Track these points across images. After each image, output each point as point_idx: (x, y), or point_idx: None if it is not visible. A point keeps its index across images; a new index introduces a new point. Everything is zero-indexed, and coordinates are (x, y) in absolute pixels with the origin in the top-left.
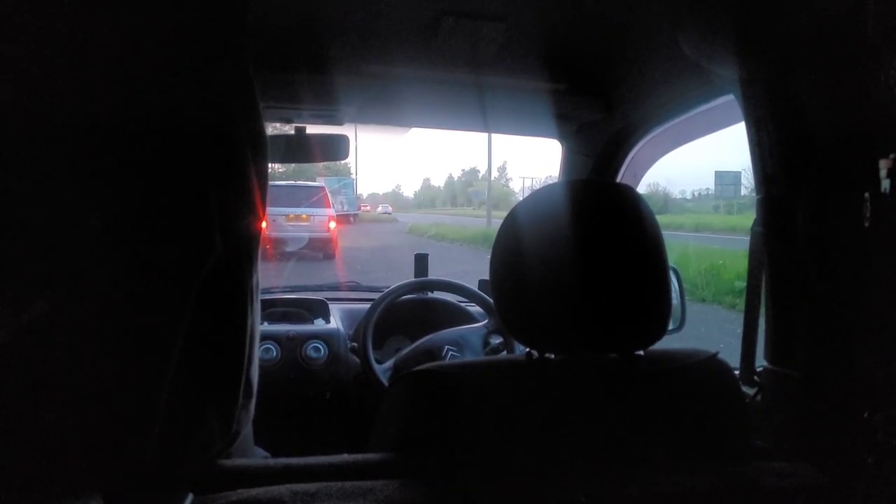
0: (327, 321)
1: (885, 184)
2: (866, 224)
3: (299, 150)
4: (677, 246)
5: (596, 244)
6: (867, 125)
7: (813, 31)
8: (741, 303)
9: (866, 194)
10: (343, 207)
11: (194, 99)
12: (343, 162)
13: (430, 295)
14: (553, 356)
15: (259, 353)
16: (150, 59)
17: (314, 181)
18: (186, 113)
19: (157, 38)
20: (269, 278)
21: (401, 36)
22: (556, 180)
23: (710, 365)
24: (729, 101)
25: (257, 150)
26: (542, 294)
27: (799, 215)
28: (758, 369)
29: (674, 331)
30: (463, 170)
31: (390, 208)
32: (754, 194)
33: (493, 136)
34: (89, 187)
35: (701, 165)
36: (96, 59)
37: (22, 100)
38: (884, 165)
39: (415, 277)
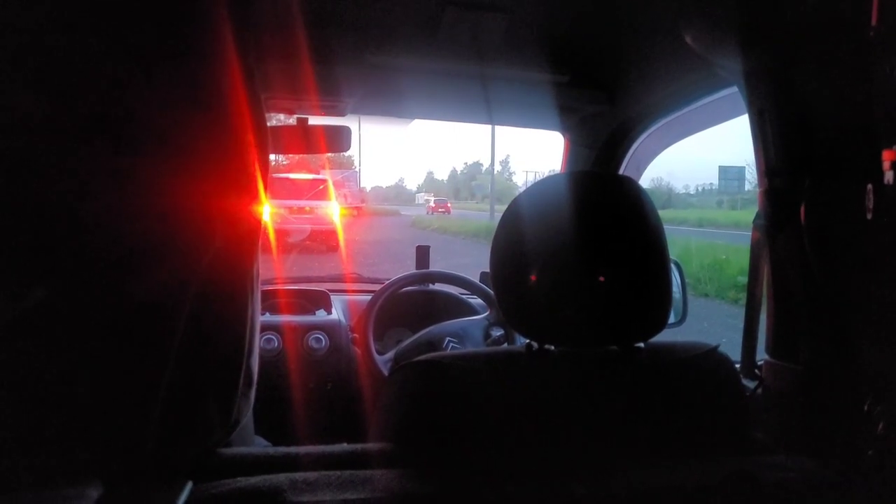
0: (329, 312)
1: (889, 175)
2: (869, 216)
3: (301, 141)
4: (680, 241)
5: (597, 236)
6: (871, 117)
7: (817, 22)
8: (744, 298)
9: (869, 186)
10: (346, 200)
11: (195, 90)
12: (347, 154)
13: (431, 287)
14: (553, 348)
15: (260, 343)
16: (142, 53)
17: (318, 173)
18: (186, 103)
19: (151, 34)
20: (272, 270)
21: (404, 26)
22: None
23: (710, 358)
24: (732, 93)
25: (258, 139)
26: (543, 285)
27: (802, 207)
28: (759, 363)
29: (675, 324)
30: (466, 163)
31: (448, 204)
32: (758, 188)
33: (497, 129)
34: (88, 177)
35: (705, 160)
36: (87, 57)
37: (28, 97)
38: (887, 157)
39: (416, 269)
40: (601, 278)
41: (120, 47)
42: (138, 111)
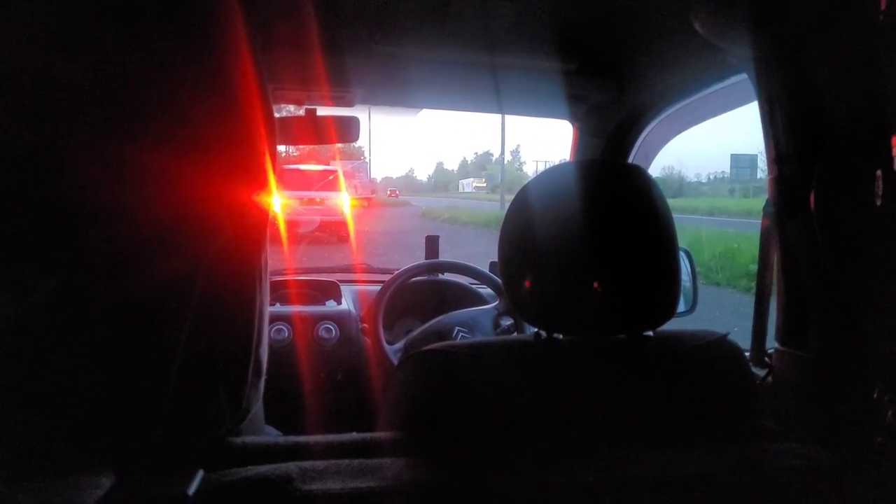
0: (339, 303)
1: None
2: (878, 202)
3: (311, 131)
4: (692, 229)
5: (604, 224)
6: (880, 103)
7: (826, 7)
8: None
9: (878, 172)
10: (357, 191)
11: (203, 75)
12: (356, 145)
13: (440, 277)
14: (561, 337)
15: (271, 333)
16: (149, 38)
17: (328, 164)
18: (194, 89)
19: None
20: (282, 261)
21: (411, 16)
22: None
23: (719, 346)
24: (742, 80)
25: (266, 129)
26: (550, 274)
27: (811, 194)
28: (769, 351)
29: (685, 313)
30: (476, 153)
31: (397, 192)
32: (768, 175)
33: (507, 119)
34: (95, 167)
35: (716, 148)
36: (94, 45)
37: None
38: None
39: (426, 259)
40: (609, 267)
41: (127, 33)
42: (146, 97)
